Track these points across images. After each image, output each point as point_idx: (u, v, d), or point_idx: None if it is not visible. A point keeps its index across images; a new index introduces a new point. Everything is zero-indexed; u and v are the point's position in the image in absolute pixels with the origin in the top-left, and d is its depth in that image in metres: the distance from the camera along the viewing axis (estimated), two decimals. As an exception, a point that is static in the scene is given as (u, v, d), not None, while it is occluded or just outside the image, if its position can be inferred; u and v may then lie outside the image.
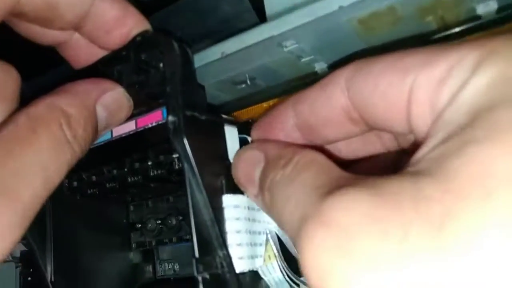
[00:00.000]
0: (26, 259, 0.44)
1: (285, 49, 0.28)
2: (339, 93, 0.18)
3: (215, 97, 0.34)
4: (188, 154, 0.20)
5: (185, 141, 0.20)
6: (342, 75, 0.18)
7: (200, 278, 0.20)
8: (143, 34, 0.21)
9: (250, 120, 0.29)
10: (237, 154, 0.23)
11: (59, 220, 0.27)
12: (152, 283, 0.32)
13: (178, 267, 0.32)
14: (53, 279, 0.26)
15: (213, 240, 0.20)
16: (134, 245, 0.32)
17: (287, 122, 0.21)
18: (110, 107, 0.22)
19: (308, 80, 0.32)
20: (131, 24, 0.22)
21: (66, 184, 0.27)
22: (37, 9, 0.21)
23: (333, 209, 0.13)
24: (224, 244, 0.21)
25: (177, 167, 0.23)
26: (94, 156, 0.24)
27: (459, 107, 0.14)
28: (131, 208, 0.33)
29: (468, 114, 0.13)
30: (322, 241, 0.13)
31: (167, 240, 0.31)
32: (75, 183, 0.27)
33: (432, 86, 0.15)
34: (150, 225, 0.31)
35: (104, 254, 0.30)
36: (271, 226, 0.25)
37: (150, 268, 0.33)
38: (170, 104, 0.20)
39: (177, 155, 0.22)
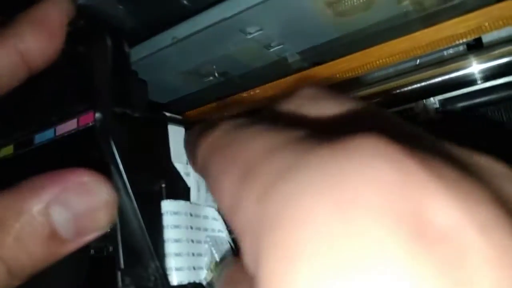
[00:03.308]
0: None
1: (248, 36, 0.26)
2: None
3: (181, 90, 0.32)
4: (114, 156, 0.18)
5: (111, 141, 0.18)
6: None
7: (124, 292, 0.18)
8: (72, 24, 0.20)
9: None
10: None
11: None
12: None
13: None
14: None
15: (144, 250, 0.18)
16: (92, 251, 0.31)
17: None
18: (76, 207, 0.17)
19: (281, 71, 0.30)
20: (63, 25, 0.20)
21: None
22: None
23: None
24: (157, 255, 0.19)
25: None
26: (34, 158, 0.22)
27: None
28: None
29: None
30: None
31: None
32: None
33: None
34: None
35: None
36: (221, 234, 0.23)
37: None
38: (97, 100, 0.18)
39: None
